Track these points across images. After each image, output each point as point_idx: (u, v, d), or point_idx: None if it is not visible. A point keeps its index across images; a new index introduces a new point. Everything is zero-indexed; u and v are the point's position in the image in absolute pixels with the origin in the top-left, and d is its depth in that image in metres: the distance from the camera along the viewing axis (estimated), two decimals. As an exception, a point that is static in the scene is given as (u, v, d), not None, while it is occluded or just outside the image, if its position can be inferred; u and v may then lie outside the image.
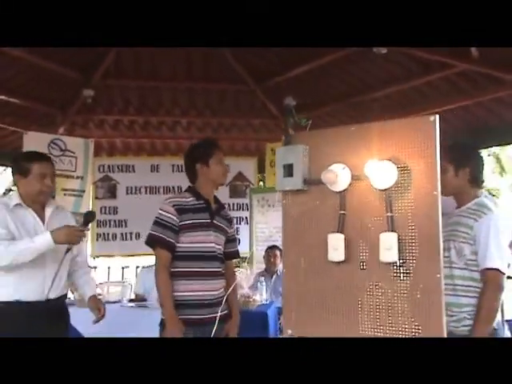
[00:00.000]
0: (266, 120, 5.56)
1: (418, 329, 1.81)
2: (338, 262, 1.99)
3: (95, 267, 6.52)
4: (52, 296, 2.52)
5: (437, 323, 1.79)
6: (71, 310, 3.83)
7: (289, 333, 2.12)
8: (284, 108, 2.48)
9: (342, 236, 1.98)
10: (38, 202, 2.62)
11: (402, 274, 1.88)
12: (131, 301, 3.96)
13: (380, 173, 1.89)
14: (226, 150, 6.01)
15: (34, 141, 5.55)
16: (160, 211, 2.58)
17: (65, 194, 5.68)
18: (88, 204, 5.79)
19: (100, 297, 3.90)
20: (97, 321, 2.72)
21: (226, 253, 2.77)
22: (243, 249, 4.86)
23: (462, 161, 1.87)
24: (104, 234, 5.91)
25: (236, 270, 4.70)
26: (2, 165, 7.83)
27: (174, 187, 5.92)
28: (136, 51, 4.86)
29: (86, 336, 3.63)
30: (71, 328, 3.73)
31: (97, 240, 5.90)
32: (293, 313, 2.14)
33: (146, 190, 6.04)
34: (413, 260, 1.86)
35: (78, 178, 5.77)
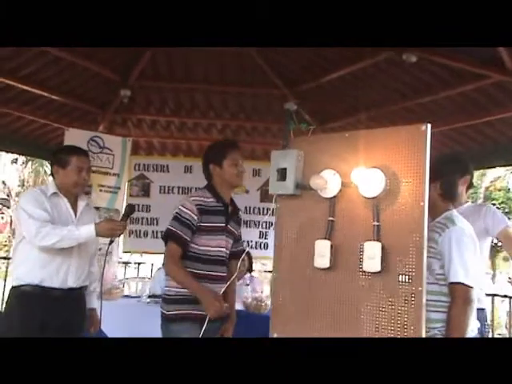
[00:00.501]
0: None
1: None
2: (325, 269, 1.98)
3: (128, 263, 6.69)
4: (74, 285, 2.65)
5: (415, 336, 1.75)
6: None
7: (274, 336, 2.12)
8: (284, 112, 2.47)
9: (328, 243, 1.97)
10: (72, 194, 2.74)
11: (383, 286, 1.85)
12: (150, 297, 4.04)
13: (367, 180, 1.87)
14: (260, 154, 6.06)
15: (74, 137, 5.75)
16: (181, 207, 2.52)
17: (101, 190, 5.84)
18: (122, 201, 5.94)
19: (118, 291, 4.03)
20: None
21: (231, 252, 2.71)
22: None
23: (433, 174, 1.83)
24: (136, 230, 6.04)
25: (251, 273, 4.73)
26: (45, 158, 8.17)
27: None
28: (170, 54, 4.97)
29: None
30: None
31: (129, 236, 6.04)
32: (279, 317, 2.14)
33: (178, 190, 6.13)
34: (396, 271, 1.83)
35: (114, 175, 5.93)
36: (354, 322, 1.90)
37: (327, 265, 1.96)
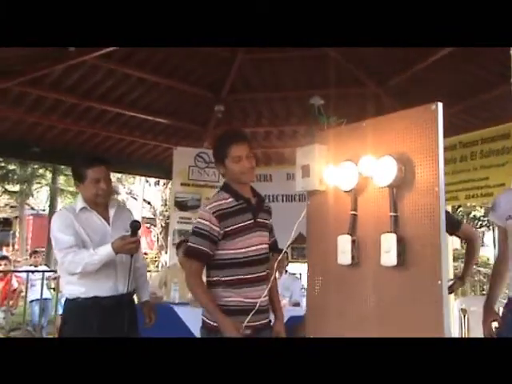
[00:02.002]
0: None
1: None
2: (349, 265, 1.90)
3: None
4: (124, 291, 2.74)
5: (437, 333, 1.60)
6: (185, 308, 4.24)
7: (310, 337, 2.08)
8: (309, 107, 2.41)
9: (349, 238, 1.89)
10: (99, 205, 2.73)
11: (403, 280, 1.72)
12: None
13: (378, 169, 1.77)
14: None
15: (182, 155, 6.17)
16: (198, 219, 2.35)
17: (210, 203, 6.11)
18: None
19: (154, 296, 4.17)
20: (146, 327, 2.88)
21: (269, 245, 2.49)
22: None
23: None
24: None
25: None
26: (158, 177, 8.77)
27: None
28: (257, 64, 5.09)
29: (195, 334, 3.85)
30: (183, 326, 4.09)
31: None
32: (314, 317, 2.09)
33: (282, 198, 6.21)
34: (414, 264, 1.70)
35: (220, 187, 6.18)
36: (378, 321, 1.79)
37: (349, 261, 1.87)
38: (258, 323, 2.33)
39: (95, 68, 4.67)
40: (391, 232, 1.74)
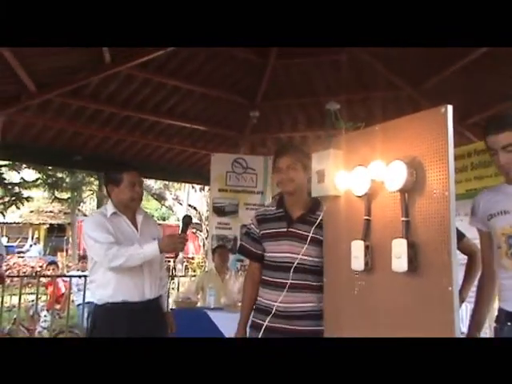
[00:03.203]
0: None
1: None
2: (363, 271, 1.88)
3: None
4: (151, 296, 2.79)
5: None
6: (219, 313, 4.27)
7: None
8: (326, 112, 2.40)
9: (362, 244, 1.87)
10: (130, 210, 2.81)
11: (414, 286, 1.69)
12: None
13: (388, 174, 1.75)
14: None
15: (219, 161, 6.23)
16: (250, 221, 2.69)
17: (247, 208, 6.15)
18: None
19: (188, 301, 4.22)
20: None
21: None
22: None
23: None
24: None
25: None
26: (198, 183, 8.89)
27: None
28: (289, 69, 5.11)
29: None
30: (216, 331, 4.12)
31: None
32: (332, 321, 2.08)
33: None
34: (425, 270, 1.66)
35: (258, 193, 6.21)
36: (390, 327, 1.76)
37: (362, 267, 1.85)
38: (281, 326, 2.42)
39: (131, 78, 4.81)
40: (402, 237, 1.71)
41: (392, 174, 1.74)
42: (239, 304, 4.21)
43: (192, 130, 5.90)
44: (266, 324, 2.42)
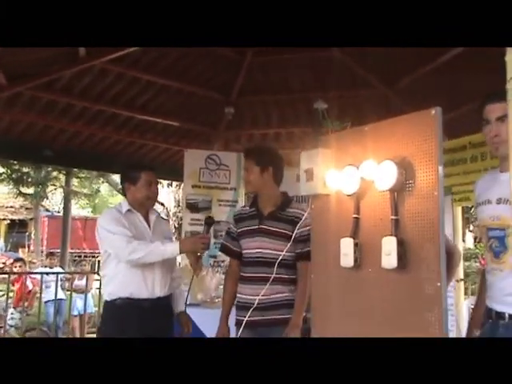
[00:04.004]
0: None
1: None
2: (351, 268, 1.92)
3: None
4: (161, 294, 2.82)
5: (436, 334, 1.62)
6: (195, 309, 4.27)
7: (315, 336, 2.11)
8: (313, 111, 2.45)
9: (351, 241, 1.91)
10: (144, 208, 2.89)
11: (403, 283, 1.75)
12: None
13: (379, 173, 1.80)
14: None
15: (192, 157, 6.18)
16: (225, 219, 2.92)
17: (220, 205, 6.15)
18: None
19: (218, 300, 4.23)
20: (183, 335, 3.00)
21: (297, 254, 2.72)
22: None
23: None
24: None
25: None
26: (170, 179, 8.84)
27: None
28: (266, 66, 5.12)
29: (208, 335, 3.92)
30: (193, 326, 4.13)
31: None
32: (319, 319, 2.12)
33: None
34: (414, 266, 1.72)
35: (231, 189, 6.20)
36: (379, 322, 1.82)
37: (351, 264, 1.90)
38: (259, 318, 2.63)
39: (105, 72, 4.73)
40: (392, 235, 1.76)
41: (382, 174, 1.79)
42: (216, 300, 4.26)
43: (165, 125, 5.84)
44: (245, 319, 2.52)
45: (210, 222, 2.91)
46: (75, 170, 12.77)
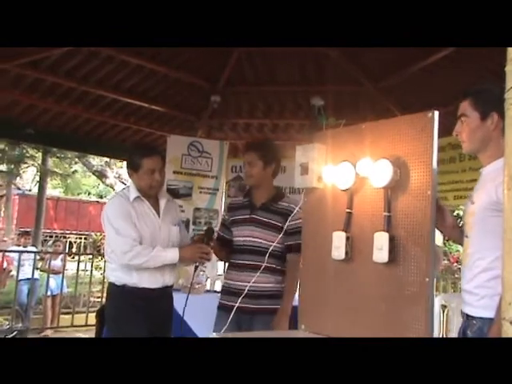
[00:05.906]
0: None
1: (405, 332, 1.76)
2: (342, 260, 2.00)
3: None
4: (169, 283, 2.82)
5: (422, 328, 1.71)
6: (176, 294, 4.33)
7: (302, 328, 2.18)
8: (311, 108, 2.51)
9: (343, 234, 1.99)
10: (150, 195, 2.75)
11: (393, 276, 1.83)
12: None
13: (375, 171, 1.87)
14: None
15: (175, 143, 6.18)
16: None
17: (200, 192, 6.18)
18: (221, 202, 6.24)
19: (200, 286, 4.29)
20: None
21: (286, 246, 2.80)
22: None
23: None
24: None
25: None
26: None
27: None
28: (254, 57, 5.16)
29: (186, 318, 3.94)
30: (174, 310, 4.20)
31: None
32: (306, 309, 2.19)
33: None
34: (404, 261, 1.80)
35: (212, 177, 6.24)
36: (367, 314, 1.90)
37: (342, 256, 1.97)
38: (244, 305, 2.56)
39: (94, 54, 4.70)
40: (384, 231, 1.84)
41: (378, 172, 1.86)
42: (197, 286, 4.31)
43: (150, 110, 5.83)
44: (237, 305, 2.54)
45: (210, 233, 2.84)
46: (54, 149, 12.59)
